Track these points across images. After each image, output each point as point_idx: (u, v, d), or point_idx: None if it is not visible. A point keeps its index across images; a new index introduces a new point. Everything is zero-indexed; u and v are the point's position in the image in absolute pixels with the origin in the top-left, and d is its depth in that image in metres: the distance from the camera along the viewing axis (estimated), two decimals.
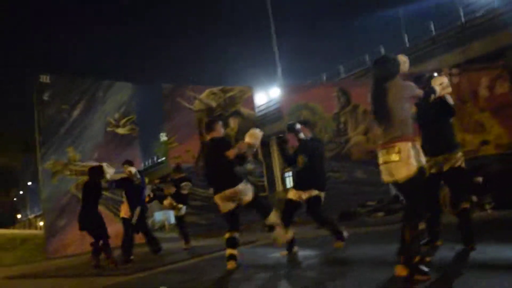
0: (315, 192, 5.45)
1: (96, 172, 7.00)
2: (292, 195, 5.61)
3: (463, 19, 16.03)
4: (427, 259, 3.49)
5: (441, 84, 4.02)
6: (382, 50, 18.94)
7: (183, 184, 8.18)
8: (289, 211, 5.61)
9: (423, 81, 4.23)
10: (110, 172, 7.06)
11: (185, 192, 8.18)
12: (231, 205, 5.03)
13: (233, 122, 12.28)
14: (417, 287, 2.98)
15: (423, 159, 3.39)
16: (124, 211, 8.24)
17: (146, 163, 33.54)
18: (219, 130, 5.20)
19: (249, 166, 11.47)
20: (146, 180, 8.51)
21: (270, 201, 5.63)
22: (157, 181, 9.03)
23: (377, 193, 10.72)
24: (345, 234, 5.43)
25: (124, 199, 7.75)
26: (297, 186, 5.64)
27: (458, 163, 4.13)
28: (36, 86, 10.13)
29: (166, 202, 8.28)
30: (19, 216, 72.95)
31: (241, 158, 5.10)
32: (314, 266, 4.53)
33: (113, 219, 9.03)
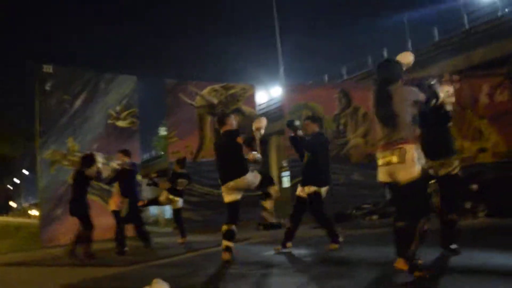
0: (313, 188, 5.50)
1: (88, 160, 7.06)
2: (298, 191, 5.75)
3: (467, 25, 16.06)
4: (419, 261, 3.53)
5: (447, 91, 4.14)
6: (385, 53, 18.97)
7: (180, 180, 8.19)
8: (297, 207, 5.73)
9: (424, 87, 4.27)
10: (101, 161, 7.11)
11: (180, 188, 8.20)
12: (236, 196, 5.21)
13: (234, 120, 12.29)
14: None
15: (424, 162, 3.46)
16: (115, 204, 8.29)
17: (145, 157, 33.55)
18: (231, 123, 5.46)
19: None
20: (140, 176, 8.51)
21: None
22: (154, 174, 8.99)
23: (373, 196, 10.77)
24: (341, 239, 5.46)
25: (114, 191, 7.80)
26: (301, 182, 5.75)
27: (455, 171, 4.17)
28: (39, 76, 10.15)
29: (161, 198, 8.26)
30: (13, 204, 72.87)
31: (249, 141, 5.35)
32: (309, 265, 4.57)
33: (108, 210, 9.04)
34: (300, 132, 5.62)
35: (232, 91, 12.51)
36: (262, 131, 5.33)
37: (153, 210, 22.92)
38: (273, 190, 5.45)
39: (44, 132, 10.05)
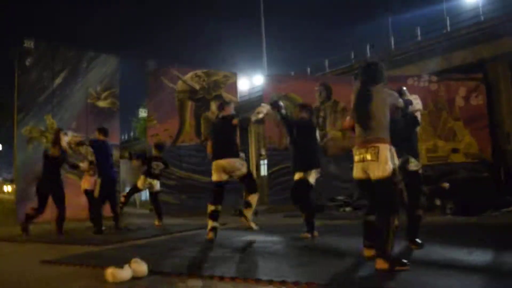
0: (299, 174, 5.67)
1: (54, 138, 7.08)
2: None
3: (448, 28, 16.37)
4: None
5: (415, 98, 4.56)
6: (368, 49, 19.19)
7: (155, 163, 8.23)
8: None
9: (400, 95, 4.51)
10: (65, 139, 7.06)
11: (155, 172, 8.25)
12: (223, 177, 5.56)
13: (215, 107, 12.35)
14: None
15: (397, 161, 3.65)
16: (87, 183, 8.29)
17: (123, 137, 33.23)
18: (229, 110, 5.83)
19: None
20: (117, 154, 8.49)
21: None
22: (126, 154, 8.97)
23: (347, 189, 11.03)
24: (316, 233, 5.61)
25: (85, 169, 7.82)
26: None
27: (415, 169, 4.40)
28: (20, 50, 10.01)
29: (139, 183, 8.26)
30: None
31: (244, 121, 5.94)
32: (285, 252, 4.69)
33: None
34: (283, 111, 5.79)
35: (214, 77, 12.54)
36: (260, 115, 5.67)
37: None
38: (254, 199, 5.59)
39: (22, 108, 9.94)
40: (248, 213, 5.57)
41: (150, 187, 8.26)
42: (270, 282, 3.21)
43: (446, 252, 4.16)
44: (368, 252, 3.82)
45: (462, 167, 11.41)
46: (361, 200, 9.49)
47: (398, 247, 4.01)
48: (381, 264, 3.40)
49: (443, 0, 20.44)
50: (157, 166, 8.24)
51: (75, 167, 7.62)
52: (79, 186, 8.50)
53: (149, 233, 7.05)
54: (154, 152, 8.54)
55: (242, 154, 5.79)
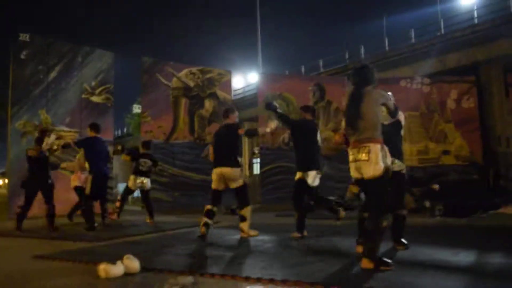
0: (299, 174, 5.72)
1: (37, 138, 7.13)
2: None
3: (443, 30, 16.49)
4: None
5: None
6: (362, 50, 19.30)
7: (142, 160, 8.25)
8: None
9: None
10: (47, 142, 7.09)
11: (143, 169, 8.26)
12: (221, 186, 5.77)
13: (209, 104, 12.41)
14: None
15: (389, 161, 3.73)
16: (77, 180, 8.31)
17: (116, 133, 33.16)
18: (233, 118, 5.97)
19: None
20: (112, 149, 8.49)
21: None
22: (119, 147, 8.89)
23: (339, 189, 11.09)
24: (305, 233, 5.67)
25: (76, 166, 7.85)
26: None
27: (398, 169, 4.46)
28: (15, 43, 9.98)
29: (130, 184, 8.27)
30: None
31: (251, 133, 6.24)
32: (276, 251, 4.73)
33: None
34: (279, 111, 5.90)
35: (209, 75, 12.57)
36: (268, 130, 5.87)
37: (122, 187, 22.80)
38: (247, 213, 5.74)
39: (17, 101, 9.92)
40: (245, 226, 5.72)
41: (141, 186, 8.28)
42: (259, 280, 3.28)
43: (433, 252, 4.24)
44: (361, 249, 3.88)
45: (452, 169, 11.54)
46: (353, 201, 9.54)
47: (384, 247, 4.10)
48: (366, 263, 3.48)
49: (438, 2, 20.61)
50: (145, 163, 8.26)
51: (55, 167, 7.71)
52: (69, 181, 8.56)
53: (141, 230, 7.09)
54: (141, 149, 8.64)
55: (239, 159, 5.92)
